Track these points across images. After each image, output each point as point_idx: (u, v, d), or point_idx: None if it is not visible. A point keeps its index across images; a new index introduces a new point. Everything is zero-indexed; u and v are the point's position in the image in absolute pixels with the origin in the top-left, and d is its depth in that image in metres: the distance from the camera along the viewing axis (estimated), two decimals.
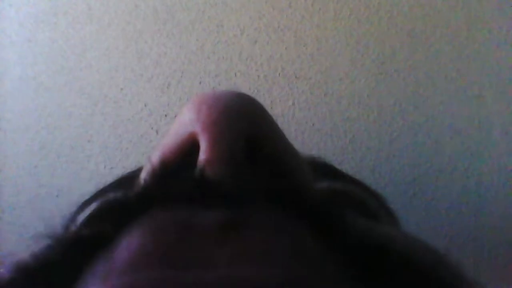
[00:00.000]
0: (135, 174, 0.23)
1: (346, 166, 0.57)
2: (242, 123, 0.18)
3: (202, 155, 0.18)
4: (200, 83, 0.61)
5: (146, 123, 0.61)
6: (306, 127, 0.59)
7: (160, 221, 0.14)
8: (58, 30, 0.62)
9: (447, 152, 0.59)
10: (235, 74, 0.61)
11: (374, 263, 0.15)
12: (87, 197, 0.26)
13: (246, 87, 0.60)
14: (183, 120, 0.19)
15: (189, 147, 0.19)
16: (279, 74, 0.60)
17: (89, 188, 0.29)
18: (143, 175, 0.20)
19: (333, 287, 0.13)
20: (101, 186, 0.28)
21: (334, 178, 0.30)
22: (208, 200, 0.15)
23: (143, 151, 0.60)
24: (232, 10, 0.61)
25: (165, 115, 0.61)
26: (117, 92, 0.61)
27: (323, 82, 0.60)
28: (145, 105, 0.61)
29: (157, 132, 0.60)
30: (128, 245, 0.14)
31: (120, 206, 0.16)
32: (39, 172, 0.60)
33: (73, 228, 0.17)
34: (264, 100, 0.59)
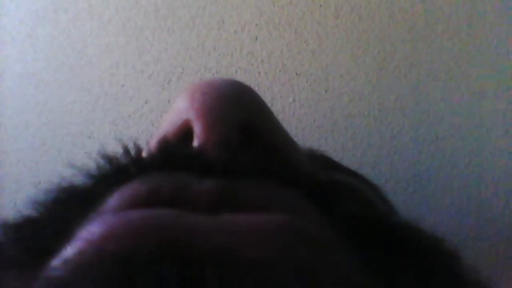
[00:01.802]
0: None
1: (347, 162, 0.57)
2: (236, 110, 0.18)
3: (197, 142, 0.18)
4: (201, 79, 0.61)
5: (147, 120, 0.61)
6: (307, 123, 0.59)
7: (155, 179, 0.14)
8: (58, 26, 0.62)
9: (448, 148, 0.59)
10: (236, 70, 0.60)
11: (374, 235, 0.15)
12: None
13: (246, 84, 0.60)
14: (178, 108, 0.19)
15: (184, 134, 0.19)
16: (279, 71, 0.60)
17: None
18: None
19: (335, 260, 0.13)
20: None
21: (332, 169, 0.30)
22: (204, 170, 0.15)
23: (144, 147, 0.60)
24: (233, 6, 0.61)
25: (166, 112, 0.61)
26: (118, 88, 0.61)
27: (324, 79, 0.60)
28: (146, 102, 0.61)
29: (158, 128, 0.60)
30: (121, 193, 0.14)
31: (118, 167, 0.16)
32: (39, 168, 0.60)
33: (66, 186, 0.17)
34: (264, 96, 0.59)
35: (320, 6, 0.61)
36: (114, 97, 0.61)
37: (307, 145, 0.57)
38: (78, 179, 0.17)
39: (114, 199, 0.14)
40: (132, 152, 0.18)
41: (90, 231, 0.12)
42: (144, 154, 0.19)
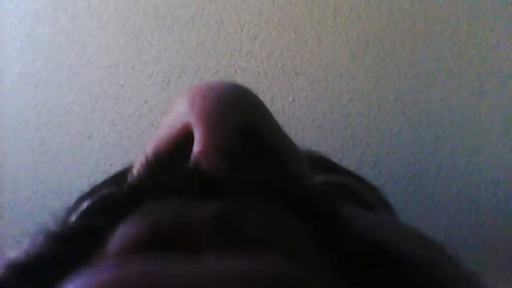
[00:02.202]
0: (129, 170, 0.23)
1: (347, 162, 0.57)
2: (237, 114, 0.18)
3: (197, 146, 0.17)
4: (200, 79, 0.61)
5: (146, 120, 0.61)
6: (307, 123, 0.59)
7: (155, 213, 0.14)
8: (58, 26, 0.62)
9: (448, 148, 0.59)
10: (235, 70, 0.60)
11: (369, 262, 0.15)
12: (81, 194, 0.25)
13: (246, 83, 0.59)
14: (178, 112, 0.19)
15: (184, 138, 0.19)
16: (279, 70, 0.60)
17: (89, 185, 0.29)
18: (136, 168, 0.20)
19: (326, 287, 0.13)
20: (95, 183, 0.28)
21: (331, 171, 0.30)
22: (202, 192, 0.15)
23: (143, 147, 0.60)
24: (232, 6, 0.61)
25: (166, 112, 0.60)
26: (117, 88, 0.61)
27: (324, 78, 0.60)
28: (145, 102, 0.61)
29: (157, 128, 0.60)
30: (122, 233, 0.14)
31: (113, 200, 0.16)
32: (39, 168, 0.60)
33: (66, 224, 0.17)
34: (264, 96, 0.59)
35: (320, 5, 0.61)
36: (114, 97, 0.61)
37: (307, 144, 0.57)
38: (75, 219, 0.17)
39: (114, 243, 0.14)
40: (125, 179, 0.18)
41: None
42: (139, 164, 0.19)
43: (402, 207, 0.57)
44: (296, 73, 0.60)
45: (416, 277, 0.15)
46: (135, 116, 0.61)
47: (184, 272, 0.12)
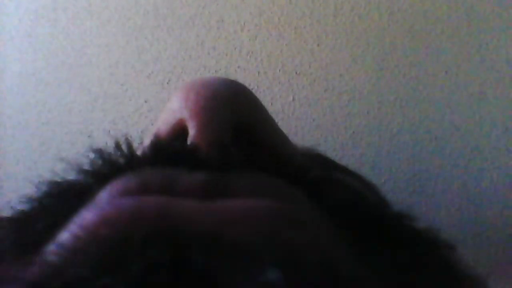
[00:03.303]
0: None
1: (346, 162, 0.57)
2: (230, 109, 0.18)
3: (191, 141, 0.18)
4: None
5: (147, 119, 0.61)
6: (306, 122, 0.59)
7: (146, 174, 0.15)
8: (58, 25, 0.62)
9: (448, 148, 0.59)
10: (235, 70, 0.60)
11: (365, 223, 0.15)
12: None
13: (246, 83, 0.59)
14: (172, 108, 0.19)
15: (178, 134, 0.19)
16: (279, 70, 0.60)
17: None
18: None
19: (322, 245, 0.13)
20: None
21: (329, 169, 0.30)
22: (194, 164, 0.16)
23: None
24: (233, 5, 0.61)
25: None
26: (117, 88, 0.61)
27: (324, 78, 0.60)
28: (145, 101, 0.61)
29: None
30: (112, 186, 0.14)
31: (109, 163, 0.17)
32: (39, 168, 0.60)
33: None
34: (264, 96, 0.59)
35: (320, 5, 0.61)
36: (114, 96, 0.61)
37: (307, 144, 0.57)
38: (71, 174, 0.17)
39: (105, 192, 0.14)
40: (124, 147, 0.18)
41: (84, 218, 0.13)
42: (138, 152, 0.19)
43: (401, 206, 0.57)
44: (296, 73, 0.60)
45: (415, 235, 0.16)
46: (135, 115, 0.61)
47: (191, 205, 0.13)
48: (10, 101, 0.62)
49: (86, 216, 0.13)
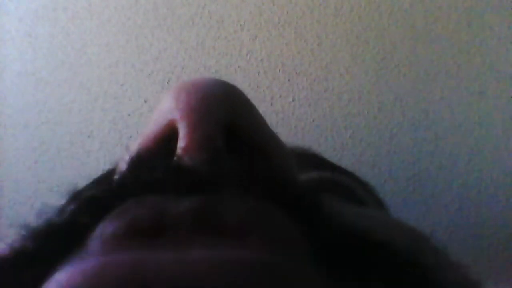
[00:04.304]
0: (113, 171, 0.23)
1: (346, 161, 0.57)
2: (222, 110, 0.18)
3: (181, 142, 0.18)
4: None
5: (147, 119, 0.61)
6: (306, 122, 0.59)
7: (133, 209, 0.15)
8: (58, 25, 0.62)
9: (447, 148, 0.59)
10: (235, 69, 0.60)
11: (352, 253, 0.15)
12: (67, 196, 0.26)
13: (246, 83, 0.60)
14: (163, 108, 0.19)
15: (169, 135, 0.19)
16: (279, 70, 0.60)
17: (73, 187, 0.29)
18: (120, 166, 0.20)
19: (307, 276, 0.13)
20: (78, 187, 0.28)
21: (324, 168, 0.30)
22: (183, 187, 0.15)
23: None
24: (233, 5, 0.61)
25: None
26: (117, 87, 0.61)
27: (323, 78, 0.60)
28: (145, 101, 0.61)
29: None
30: (102, 231, 0.14)
31: (95, 199, 0.16)
32: (39, 167, 0.60)
33: (50, 221, 0.18)
34: (264, 95, 0.59)
35: (320, 5, 0.61)
36: (114, 96, 0.61)
37: (307, 144, 0.57)
38: (56, 214, 0.17)
39: (94, 240, 0.14)
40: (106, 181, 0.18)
41: (55, 281, 0.13)
42: (123, 162, 0.19)
43: (401, 206, 0.57)
44: (296, 73, 0.60)
45: (400, 262, 0.15)
46: (135, 115, 0.61)
47: (170, 260, 0.12)
48: (10, 101, 0.62)
49: (58, 279, 0.13)
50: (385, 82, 0.60)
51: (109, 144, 0.60)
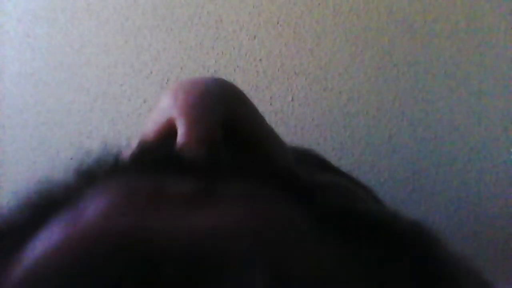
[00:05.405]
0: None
1: (345, 161, 0.57)
2: (219, 107, 0.18)
3: (180, 139, 0.18)
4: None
5: (146, 119, 0.60)
6: (306, 122, 0.59)
7: (131, 184, 0.15)
8: (56, 26, 0.62)
9: (447, 147, 0.59)
10: (234, 69, 0.60)
11: (350, 227, 0.15)
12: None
13: (245, 83, 0.60)
14: (161, 107, 0.19)
15: (168, 132, 0.19)
16: (278, 70, 0.60)
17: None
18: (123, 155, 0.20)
19: (305, 252, 0.13)
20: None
21: (323, 170, 0.30)
22: (182, 170, 0.15)
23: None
24: (231, 5, 0.61)
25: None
26: (116, 88, 0.61)
27: (323, 78, 0.60)
28: (144, 101, 0.61)
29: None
30: (97, 200, 0.14)
31: (93, 168, 0.17)
32: (38, 168, 0.60)
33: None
34: (263, 95, 0.59)
35: (319, 5, 0.61)
36: (113, 96, 0.61)
37: (306, 144, 0.57)
38: (58, 177, 0.17)
39: (90, 207, 0.14)
40: (112, 154, 0.18)
41: (50, 235, 0.13)
42: (126, 154, 0.19)
43: (401, 206, 0.57)
44: (295, 73, 0.60)
45: (402, 239, 0.15)
46: (134, 115, 0.61)
47: (166, 220, 0.13)
48: (9, 101, 0.61)
49: (54, 232, 0.13)
50: (384, 81, 0.60)
51: (108, 144, 0.60)
